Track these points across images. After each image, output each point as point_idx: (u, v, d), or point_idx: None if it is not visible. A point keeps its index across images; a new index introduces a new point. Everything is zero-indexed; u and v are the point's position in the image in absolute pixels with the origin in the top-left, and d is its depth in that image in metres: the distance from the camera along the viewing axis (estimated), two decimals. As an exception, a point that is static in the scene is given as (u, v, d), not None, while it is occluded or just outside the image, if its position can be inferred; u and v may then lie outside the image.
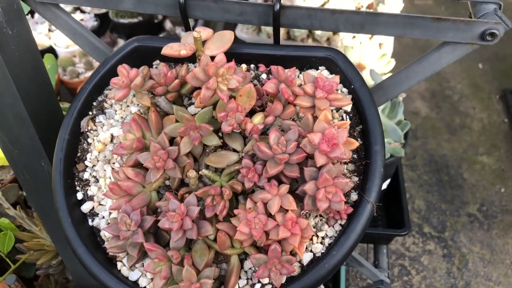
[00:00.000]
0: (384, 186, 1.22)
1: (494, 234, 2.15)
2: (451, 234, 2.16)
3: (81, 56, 2.02)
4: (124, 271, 0.58)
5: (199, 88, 0.57)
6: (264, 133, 0.60)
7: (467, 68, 2.83)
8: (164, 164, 0.56)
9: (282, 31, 1.55)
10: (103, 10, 2.25)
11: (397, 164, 1.18)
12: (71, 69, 1.95)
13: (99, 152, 0.65)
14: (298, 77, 0.64)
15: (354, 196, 0.57)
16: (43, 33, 2.13)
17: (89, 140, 0.66)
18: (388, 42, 1.45)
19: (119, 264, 0.59)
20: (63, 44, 2.07)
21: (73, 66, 1.99)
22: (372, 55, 1.23)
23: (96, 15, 2.25)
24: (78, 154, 0.66)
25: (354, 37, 1.48)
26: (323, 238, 0.57)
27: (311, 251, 0.56)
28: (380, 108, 1.05)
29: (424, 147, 2.46)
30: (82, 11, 2.26)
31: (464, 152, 2.43)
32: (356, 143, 0.54)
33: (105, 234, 0.61)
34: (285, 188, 0.53)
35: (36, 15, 2.16)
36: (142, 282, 0.57)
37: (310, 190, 0.52)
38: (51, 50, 2.06)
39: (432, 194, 2.28)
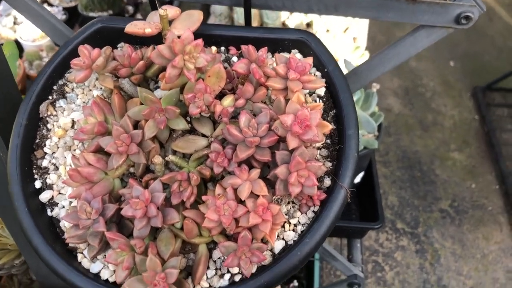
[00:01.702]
0: (358, 179, 1.21)
1: (465, 229, 2.17)
2: (423, 230, 2.17)
3: (48, 50, 1.95)
4: (85, 263, 0.55)
5: (165, 70, 0.54)
6: (234, 117, 0.57)
7: (439, 66, 2.86)
8: (128, 149, 0.53)
9: (255, 22, 1.53)
10: (72, 4, 2.18)
11: (370, 156, 1.17)
12: (37, 63, 1.88)
13: (59, 138, 0.61)
14: (270, 59, 0.62)
15: (327, 182, 0.55)
16: (7, 25, 2.05)
17: (49, 126, 0.62)
18: (361, 35, 1.45)
19: (79, 256, 0.56)
20: (29, 38, 2.00)
21: (40, 60, 1.92)
22: (346, 48, 1.21)
23: (64, 9, 2.18)
24: (37, 141, 0.62)
25: (328, 30, 1.47)
26: (295, 225, 0.54)
27: (283, 239, 0.54)
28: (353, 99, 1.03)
29: (397, 143, 2.48)
30: (50, 4, 2.19)
31: (436, 149, 2.46)
32: (329, 126, 0.52)
33: (64, 224, 0.57)
34: (256, 172, 0.50)
35: (1, 8, 2.08)
36: (104, 274, 0.54)
37: (282, 174, 0.49)
38: (16, 44, 1.98)
39: (405, 190, 2.30)
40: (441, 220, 2.20)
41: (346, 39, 1.34)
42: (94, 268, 0.54)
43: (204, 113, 0.56)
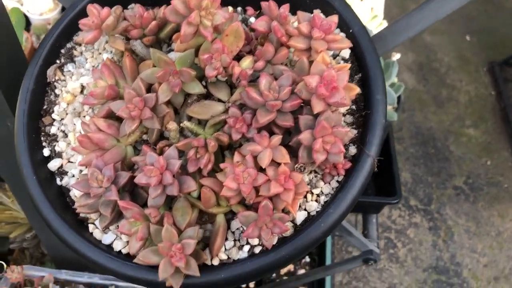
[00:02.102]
0: (375, 153, 1.17)
1: (479, 206, 2.14)
2: (437, 207, 2.14)
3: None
4: (97, 233, 0.52)
5: (179, 30, 0.50)
6: (253, 81, 0.53)
7: (455, 41, 2.78)
8: (141, 113, 0.49)
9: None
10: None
11: (388, 129, 1.13)
12: (45, 35, 1.84)
13: (67, 104, 0.58)
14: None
15: (352, 150, 0.52)
16: (14, -2, 2.01)
17: (57, 91, 0.59)
18: (378, 5, 1.39)
19: (91, 227, 0.53)
20: (37, 11, 1.95)
21: (48, 32, 1.88)
22: (363, 17, 1.16)
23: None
24: (45, 107, 0.59)
25: None
26: (318, 195, 0.51)
27: (305, 209, 0.51)
28: (373, 69, 0.99)
29: (411, 119, 2.42)
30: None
31: (451, 125, 2.41)
32: (357, 89, 0.48)
33: (75, 194, 0.55)
34: (277, 139, 0.47)
35: (7, -21, 2.03)
36: (117, 245, 0.51)
37: (306, 140, 0.46)
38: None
39: (419, 167, 2.26)
40: (455, 197, 2.17)
41: (363, 8, 1.28)
42: (106, 239, 0.52)
43: (221, 76, 0.52)
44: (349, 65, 0.49)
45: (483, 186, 2.20)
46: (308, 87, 0.45)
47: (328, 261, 1.64)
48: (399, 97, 1.05)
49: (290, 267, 1.71)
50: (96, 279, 1.02)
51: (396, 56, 0.99)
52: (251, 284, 1.66)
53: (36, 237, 1.33)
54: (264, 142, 0.47)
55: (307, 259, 1.74)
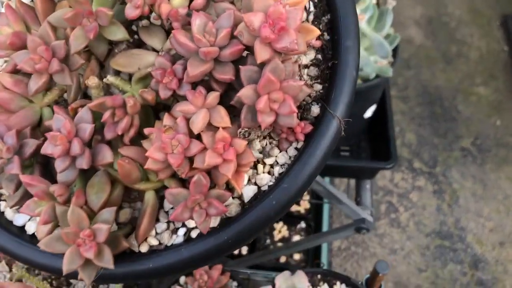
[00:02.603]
0: (369, 113, 1.06)
1: (487, 168, 2.03)
2: (442, 169, 2.04)
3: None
4: (8, 213, 0.44)
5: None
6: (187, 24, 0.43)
7: (467, -8, 2.60)
8: (48, 66, 0.40)
9: None
10: None
11: (384, 86, 1.02)
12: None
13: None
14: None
15: (315, 110, 0.42)
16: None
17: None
18: None
19: (2, 205, 0.44)
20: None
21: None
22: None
23: None
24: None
25: None
26: (271, 166, 0.42)
27: (255, 183, 0.41)
28: (365, 18, 0.87)
29: (417, 77, 2.29)
30: None
31: (460, 83, 2.27)
32: (316, 31, 0.37)
33: (-14, 165, 0.46)
34: (214, 96, 0.37)
35: None
36: (30, 227, 0.43)
37: (248, 97, 0.36)
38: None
39: (424, 128, 2.14)
40: (462, 159, 2.06)
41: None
42: (19, 219, 0.43)
43: (154, 19, 0.42)
44: (305, 0, 0.38)
45: (492, 147, 2.08)
46: (250, 27, 0.35)
47: (325, 227, 1.56)
48: (395, 50, 0.93)
49: (285, 233, 1.65)
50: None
51: (391, 4, 0.87)
52: (244, 251, 1.60)
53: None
54: (198, 100, 0.37)
55: (303, 224, 1.67)
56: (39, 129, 0.43)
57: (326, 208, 1.63)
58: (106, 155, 0.38)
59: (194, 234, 0.40)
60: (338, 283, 0.91)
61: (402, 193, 2.00)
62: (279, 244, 1.63)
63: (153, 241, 0.40)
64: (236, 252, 1.59)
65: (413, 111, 2.18)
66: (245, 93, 0.36)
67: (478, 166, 2.03)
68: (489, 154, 2.06)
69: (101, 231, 0.36)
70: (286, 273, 0.87)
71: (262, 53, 0.35)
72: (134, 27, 0.44)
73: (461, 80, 2.27)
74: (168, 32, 0.44)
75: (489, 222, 1.90)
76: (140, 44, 0.44)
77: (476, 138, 2.10)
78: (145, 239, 0.40)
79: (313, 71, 0.43)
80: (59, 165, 0.37)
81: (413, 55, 2.35)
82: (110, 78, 0.41)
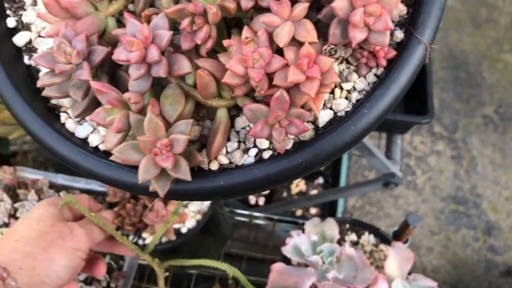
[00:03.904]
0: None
1: (508, 138, 2.01)
2: (462, 135, 2.02)
3: None
4: (70, 124, 0.42)
5: None
6: None
7: (503, -45, 2.49)
8: (123, -31, 0.37)
9: None
10: None
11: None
12: None
13: (37, -37, 0.46)
14: None
15: (399, 35, 0.39)
16: None
17: None
18: None
19: (63, 116, 0.43)
20: None
21: None
22: None
23: None
24: (9, -35, 0.47)
25: None
26: (349, 91, 0.40)
27: (330, 108, 0.39)
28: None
29: (444, 40, 2.23)
30: None
31: (487, 49, 2.21)
32: None
33: (45, 76, 0.44)
34: (301, 8, 0.35)
35: None
36: (93, 139, 0.41)
37: (342, 9, 0.34)
38: None
39: (447, 92, 2.10)
40: (483, 127, 2.03)
41: None
42: (81, 131, 0.42)
43: None
44: None
45: (515, 116, 2.05)
46: None
47: (342, 183, 1.56)
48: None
49: (302, 187, 1.65)
50: (93, 185, 0.96)
51: None
52: (261, 202, 1.61)
53: (38, 140, 1.25)
54: (284, 12, 0.35)
55: (320, 180, 1.67)
56: (103, 38, 0.42)
57: (344, 164, 1.63)
58: (184, 65, 0.36)
59: (266, 155, 0.39)
60: (366, 233, 0.91)
61: (421, 156, 1.99)
62: (295, 197, 1.63)
63: (224, 160, 0.39)
64: (253, 202, 1.60)
65: (436, 74, 2.14)
66: (339, 4, 0.33)
67: (499, 135, 2.01)
68: (511, 123, 2.03)
69: (178, 141, 0.34)
70: (316, 219, 0.87)
71: (362, -39, 0.32)
72: None
73: (488, 46, 2.22)
74: None
75: (505, 190, 1.89)
76: (213, -45, 0.41)
77: (499, 106, 2.07)
78: (215, 157, 0.39)
79: (397, -6, 0.40)
80: (133, 72, 0.36)
81: (442, 17, 2.28)
82: (184, -12, 0.39)
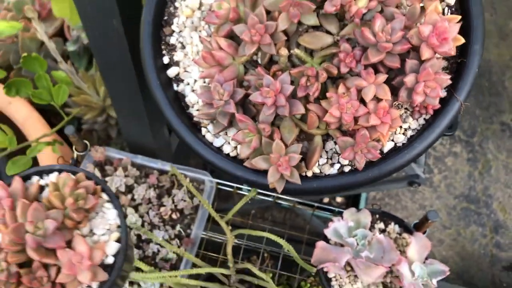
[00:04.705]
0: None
1: (522, 145, 2.16)
2: (479, 140, 2.18)
3: None
4: (208, 136, 0.61)
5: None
6: (361, 19, 0.58)
7: (534, -32, 2.60)
8: (261, 39, 0.56)
9: None
10: None
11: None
12: None
13: (186, 18, 0.64)
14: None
15: (442, 94, 0.57)
16: None
17: (176, 4, 0.65)
18: None
19: (203, 130, 0.62)
20: None
21: None
22: None
23: None
24: (165, 18, 0.65)
25: None
26: (405, 129, 0.58)
27: (392, 140, 0.58)
28: None
29: (470, 49, 2.37)
30: None
31: (511, 60, 2.35)
32: (462, 40, 0.53)
33: (190, 100, 0.63)
34: (383, 77, 0.53)
35: None
36: (226, 149, 0.60)
37: (410, 82, 0.52)
38: None
39: (469, 99, 2.24)
40: (500, 133, 2.19)
41: None
42: (217, 142, 0.61)
43: (338, 10, 0.57)
44: (459, 17, 0.53)
45: (531, 125, 2.20)
46: (421, 35, 0.50)
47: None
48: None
49: (331, 178, 1.83)
50: (167, 166, 1.14)
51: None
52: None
53: (106, 121, 1.45)
54: (370, 78, 0.53)
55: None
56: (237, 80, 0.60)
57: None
58: (299, 108, 0.55)
59: (346, 169, 0.58)
60: (392, 223, 1.09)
61: (439, 157, 2.16)
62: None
63: (316, 170, 0.58)
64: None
65: (461, 81, 2.28)
66: (409, 79, 0.52)
67: (514, 141, 2.17)
68: (527, 131, 2.18)
69: (294, 158, 0.53)
70: (353, 209, 1.06)
71: (426, 53, 0.50)
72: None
73: (512, 57, 2.35)
74: (339, 20, 0.59)
75: (515, 193, 2.06)
76: (315, 27, 0.59)
77: (517, 115, 2.22)
78: (312, 168, 0.58)
79: (444, 63, 0.58)
80: (266, 110, 0.54)
81: (470, 26, 2.41)
82: (297, 51, 0.57)
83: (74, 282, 0.53)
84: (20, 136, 1.10)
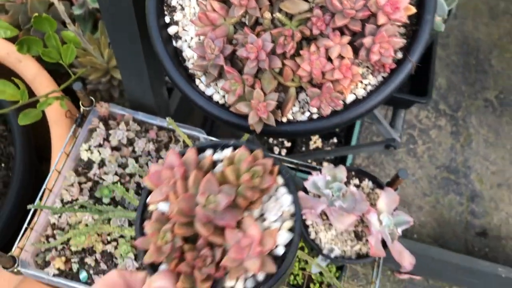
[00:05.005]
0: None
1: (503, 121, 2.28)
2: (463, 115, 2.29)
3: None
4: (201, 86, 0.72)
5: None
6: (334, -12, 0.68)
7: (529, -50, 2.67)
8: (247, 3, 0.66)
9: None
10: None
11: (433, 37, 1.25)
12: None
13: (185, -17, 0.74)
14: None
15: (399, 55, 0.68)
16: None
17: (177, -28, 0.75)
18: None
19: (197, 81, 0.73)
20: None
21: None
22: None
23: None
24: (167, -17, 0.75)
25: None
26: (366, 85, 0.69)
27: (354, 93, 0.69)
28: (433, -19, 1.09)
29: (461, 27, 2.46)
30: None
31: (499, 39, 2.44)
32: (413, 10, 0.63)
33: (186, 54, 0.74)
34: (347, 38, 0.64)
35: None
36: (215, 97, 0.72)
37: (368, 43, 0.63)
38: None
39: (456, 75, 2.36)
40: (483, 109, 2.30)
41: None
42: (208, 91, 0.72)
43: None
44: (411, -10, 0.64)
45: (513, 103, 2.31)
46: (378, 4, 0.61)
47: (353, 143, 1.86)
48: (450, 11, 1.16)
49: (319, 144, 1.95)
50: (165, 123, 1.25)
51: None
52: (283, 152, 1.92)
53: (109, 82, 1.56)
54: (336, 39, 0.64)
55: (335, 140, 1.97)
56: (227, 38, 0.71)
57: (357, 128, 1.92)
58: (277, 62, 0.65)
59: (314, 116, 0.69)
60: (366, 179, 1.21)
61: (424, 129, 2.27)
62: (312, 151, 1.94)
63: (290, 116, 0.69)
64: (276, 152, 1.91)
65: (449, 58, 2.38)
66: (367, 41, 0.62)
67: (496, 117, 2.28)
68: (509, 108, 2.30)
69: (270, 104, 0.65)
70: (331, 165, 1.18)
71: (381, 19, 0.61)
72: (295, -17, 0.69)
73: (501, 36, 2.45)
74: (316, -10, 0.69)
75: (493, 166, 2.18)
76: (296, -6, 0.70)
77: (501, 92, 2.33)
78: (286, 115, 0.69)
79: (402, 30, 0.69)
80: (250, 64, 0.65)
81: (462, 6, 2.50)
82: (278, 15, 0.68)
83: (239, 268, 0.48)
84: (29, 92, 1.20)
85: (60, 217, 1.14)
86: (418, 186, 2.14)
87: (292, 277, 1.52)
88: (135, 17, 0.90)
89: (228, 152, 0.58)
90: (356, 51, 0.66)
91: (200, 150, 0.59)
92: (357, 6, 0.62)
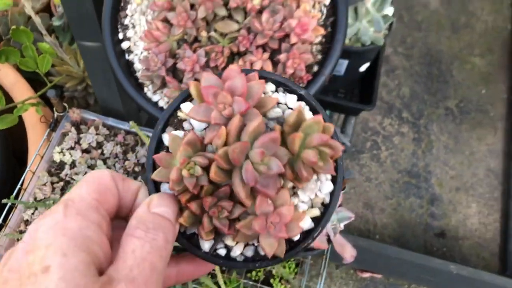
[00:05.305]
0: (363, 68, 1.43)
1: (463, 128, 2.42)
2: (425, 122, 2.43)
3: None
4: (149, 94, 0.84)
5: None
6: (260, 11, 0.80)
7: (490, -32, 2.83)
8: (185, 23, 0.78)
9: None
10: None
11: (378, 50, 1.38)
12: None
13: (137, 5, 0.86)
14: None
15: (315, 68, 0.80)
16: None
17: (130, -6, 0.87)
18: None
19: (145, 89, 0.84)
20: None
21: None
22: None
23: None
24: (122, 4, 0.87)
25: None
26: (288, 94, 0.81)
27: (278, 101, 0.81)
28: (371, 1, 1.22)
29: (425, 40, 2.60)
30: None
31: (460, 51, 2.59)
32: (321, 31, 0.75)
33: (136, 66, 0.85)
34: (267, 55, 0.76)
35: None
36: (161, 103, 0.83)
37: (283, 59, 0.75)
38: None
39: (419, 85, 2.50)
40: (444, 117, 2.44)
41: None
42: (154, 98, 0.83)
43: (239, 5, 0.79)
44: (319, 15, 0.76)
45: (472, 111, 2.45)
46: (290, 26, 0.73)
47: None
48: (391, 26, 1.29)
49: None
50: (133, 129, 1.36)
51: (392, -7, 1.20)
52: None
53: (85, 89, 1.66)
54: (259, 55, 0.76)
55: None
56: (170, 53, 0.82)
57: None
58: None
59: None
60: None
61: (387, 135, 2.40)
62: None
63: (223, 120, 0.81)
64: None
65: (413, 68, 2.52)
66: (282, 57, 0.74)
67: (456, 125, 2.41)
68: (468, 116, 2.43)
69: (204, 109, 0.76)
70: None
71: (293, 39, 0.73)
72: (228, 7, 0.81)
73: (461, 48, 2.59)
74: (245, 13, 0.81)
75: (452, 170, 2.31)
76: (229, 16, 0.82)
77: (461, 101, 2.47)
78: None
79: (319, 47, 0.81)
80: (187, 75, 0.77)
81: (426, 19, 2.65)
82: (213, 33, 0.80)
83: (250, 237, 0.44)
84: (8, 99, 1.30)
85: (33, 214, 1.24)
86: (381, 189, 2.26)
87: (254, 273, 1.62)
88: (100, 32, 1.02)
89: (293, 100, 0.52)
90: (275, 65, 0.78)
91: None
92: (274, 28, 0.74)
